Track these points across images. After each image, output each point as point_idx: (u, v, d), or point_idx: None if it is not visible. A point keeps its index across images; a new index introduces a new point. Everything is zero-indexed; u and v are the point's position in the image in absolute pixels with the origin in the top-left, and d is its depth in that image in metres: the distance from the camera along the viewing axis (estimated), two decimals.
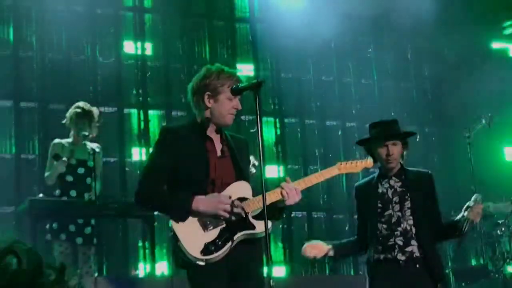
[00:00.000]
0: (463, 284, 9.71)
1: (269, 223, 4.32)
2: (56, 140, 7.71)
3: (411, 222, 5.19)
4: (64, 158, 7.42)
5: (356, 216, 5.61)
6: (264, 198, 4.23)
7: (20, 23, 10.54)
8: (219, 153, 4.63)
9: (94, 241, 7.56)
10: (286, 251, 11.48)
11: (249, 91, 4.46)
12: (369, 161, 5.00)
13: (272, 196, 4.52)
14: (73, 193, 7.56)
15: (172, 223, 4.41)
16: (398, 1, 11.67)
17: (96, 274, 7.58)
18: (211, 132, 4.64)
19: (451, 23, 11.86)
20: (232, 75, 4.61)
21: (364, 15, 12.14)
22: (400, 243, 5.16)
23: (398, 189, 5.28)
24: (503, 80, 12.52)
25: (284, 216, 10.67)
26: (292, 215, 11.51)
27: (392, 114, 12.50)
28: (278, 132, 11.92)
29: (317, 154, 11.96)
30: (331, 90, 12.28)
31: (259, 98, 4.37)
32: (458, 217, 5.14)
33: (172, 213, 4.46)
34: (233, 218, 4.41)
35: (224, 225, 4.43)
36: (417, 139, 12.45)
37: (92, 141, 7.73)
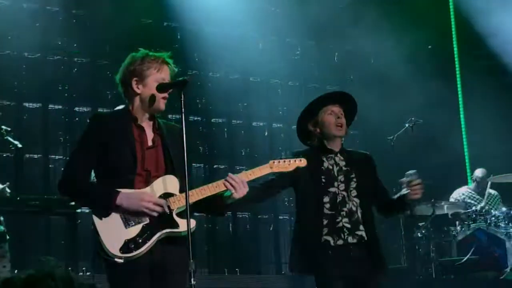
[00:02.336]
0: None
1: (193, 222, 4.28)
2: None
3: (356, 203, 5.08)
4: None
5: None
6: (187, 196, 4.20)
7: None
8: (149, 143, 4.50)
9: (7, 239, 7.47)
10: (210, 252, 11.52)
11: (175, 89, 4.44)
12: (302, 160, 4.81)
13: (212, 189, 4.45)
14: None
15: (93, 216, 4.27)
16: (325, 4, 11.86)
17: (15, 271, 7.45)
18: (142, 120, 4.52)
19: (378, 28, 12.06)
20: (157, 57, 4.52)
21: (292, 17, 12.28)
22: (348, 225, 5.03)
23: (343, 168, 5.15)
24: (425, 87, 12.80)
25: (229, 213, 10.81)
26: None
27: None
28: (205, 132, 11.96)
29: (243, 154, 12.04)
30: (259, 91, 12.38)
31: (184, 96, 4.35)
32: (402, 193, 5.13)
33: (93, 207, 4.34)
34: (155, 214, 4.30)
35: (146, 222, 4.30)
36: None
37: None
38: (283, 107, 12.53)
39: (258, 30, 12.15)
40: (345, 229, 5.02)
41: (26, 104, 10.53)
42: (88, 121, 4.60)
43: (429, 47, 12.78)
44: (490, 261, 9.58)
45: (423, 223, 10.05)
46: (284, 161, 4.78)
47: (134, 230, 4.29)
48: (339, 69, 13.09)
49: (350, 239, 5.00)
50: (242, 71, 12.30)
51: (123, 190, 4.30)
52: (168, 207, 4.36)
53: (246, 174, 4.58)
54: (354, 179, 5.12)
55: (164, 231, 4.34)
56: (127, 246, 4.24)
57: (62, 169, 4.59)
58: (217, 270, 11.16)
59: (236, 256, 11.61)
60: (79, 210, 8.36)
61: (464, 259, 9.47)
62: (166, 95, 4.48)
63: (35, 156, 10.46)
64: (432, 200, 9.89)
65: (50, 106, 10.87)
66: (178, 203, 4.38)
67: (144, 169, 4.42)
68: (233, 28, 11.75)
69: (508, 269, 9.42)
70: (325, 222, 5.03)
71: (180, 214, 4.38)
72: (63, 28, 11.12)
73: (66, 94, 11.00)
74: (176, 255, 4.37)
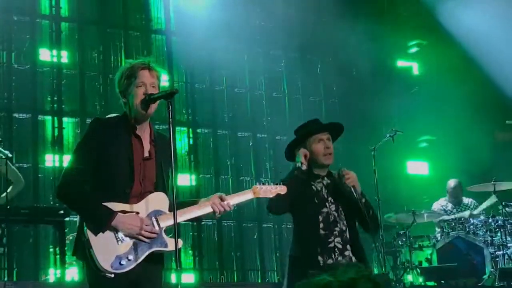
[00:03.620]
0: None
1: (181, 242, 4.43)
2: None
3: (345, 223, 5.15)
4: None
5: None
6: (174, 212, 4.29)
7: None
8: (146, 154, 4.54)
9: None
10: (196, 259, 11.63)
11: (163, 100, 4.48)
12: (283, 187, 4.93)
13: (200, 210, 4.57)
14: None
15: (86, 229, 4.29)
16: (308, 18, 12.10)
17: (5, 279, 7.60)
18: (140, 129, 4.54)
19: (359, 40, 12.30)
20: (134, 65, 4.56)
21: (276, 30, 12.51)
22: (339, 245, 5.11)
23: (331, 189, 5.22)
24: (407, 97, 13.07)
25: (215, 221, 10.96)
26: (203, 223, 11.71)
27: None
28: (191, 142, 12.11)
29: (228, 163, 12.16)
30: (243, 102, 12.58)
31: (172, 106, 4.42)
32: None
33: (88, 222, 4.33)
34: (147, 241, 4.36)
35: (136, 239, 4.38)
36: None
37: None
38: (268, 118, 12.72)
39: (243, 42, 12.37)
40: (336, 249, 5.10)
41: (16, 115, 10.67)
42: (89, 124, 4.59)
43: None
44: (469, 268, 9.78)
45: (404, 231, 10.26)
46: (267, 187, 4.89)
47: (125, 247, 4.34)
48: (322, 80, 13.32)
49: (340, 259, 5.07)
50: (227, 82, 12.51)
51: (117, 206, 4.34)
52: (158, 225, 4.43)
53: (231, 198, 4.68)
54: (341, 200, 5.20)
55: (154, 249, 4.42)
56: (118, 262, 4.29)
57: (62, 173, 4.56)
58: (202, 277, 11.33)
59: (221, 264, 11.79)
60: (67, 219, 8.46)
61: None
62: (143, 97, 4.47)
63: (25, 165, 10.59)
64: (413, 209, 10.13)
65: (40, 116, 11.04)
66: (166, 221, 4.45)
67: (139, 182, 4.47)
68: (219, 40, 11.96)
69: (486, 276, 9.65)
70: (319, 242, 5.10)
71: (168, 232, 4.47)
72: (53, 40, 11.31)
73: (55, 105, 11.17)
74: (153, 268, 4.49)
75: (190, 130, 12.17)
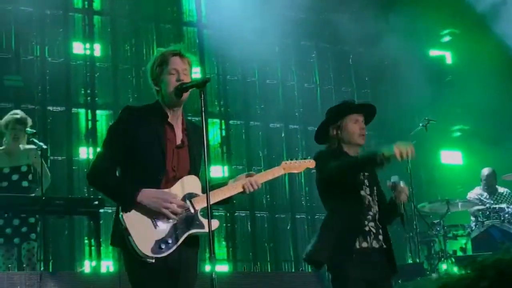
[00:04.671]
0: (399, 281, 10.01)
1: (217, 222, 4.43)
2: None
3: (377, 209, 5.15)
4: None
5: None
6: (208, 198, 4.28)
7: None
8: (178, 142, 4.54)
9: (32, 236, 7.69)
10: (229, 250, 11.70)
11: (195, 89, 4.50)
12: (311, 162, 4.97)
13: (231, 190, 4.59)
14: None
15: (122, 215, 4.31)
16: (340, 8, 12.07)
17: (42, 269, 7.68)
18: (172, 117, 4.55)
19: (391, 30, 12.24)
20: (165, 52, 4.58)
21: (308, 21, 12.50)
22: (373, 229, 5.10)
23: (365, 173, 5.22)
24: (440, 86, 12.99)
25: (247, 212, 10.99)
26: (236, 214, 11.78)
27: None
28: (224, 133, 12.17)
29: (260, 155, 12.22)
30: (275, 93, 12.60)
31: (204, 95, 4.43)
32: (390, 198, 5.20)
33: (116, 201, 4.41)
34: (173, 216, 4.37)
35: (174, 222, 4.39)
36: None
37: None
38: (299, 109, 12.73)
39: (275, 34, 12.37)
40: (371, 233, 5.09)
41: (50, 108, 10.78)
42: (121, 112, 4.60)
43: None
44: None
45: (438, 220, 10.20)
46: (295, 162, 4.93)
47: (163, 231, 4.35)
48: (354, 71, 13.30)
49: (374, 243, 5.08)
50: (259, 73, 12.54)
51: (147, 189, 4.35)
52: (193, 207, 4.46)
53: (261, 177, 4.72)
54: (374, 185, 5.21)
55: (191, 231, 4.43)
56: (158, 246, 4.31)
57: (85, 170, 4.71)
58: (236, 268, 11.38)
59: (254, 255, 11.83)
60: (102, 210, 8.53)
61: None
62: (176, 84, 4.49)
63: (59, 158, 10.71)
64: (447, 199, 10.06)
65: (73, 109, 11.15)
66: (201, 203, 4.46)
67: (171, 168, 4.48)
68: (250, 32, 11.96)
69: None
70: (354, 225, 5.07)
71: (203, 214, 4.48)
72: (86, 33, 11.41)
73: (89, 98, 11.28)
74: (190, 252, 4.50)
75: (223, 121, 12.22)
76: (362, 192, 5.14)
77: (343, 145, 5.22)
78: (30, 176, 7.82)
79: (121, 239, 4.35)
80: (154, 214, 4.35)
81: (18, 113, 7.96)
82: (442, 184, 12.37)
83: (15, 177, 7.77)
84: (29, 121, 7.97)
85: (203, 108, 4.43)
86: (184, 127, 4.63)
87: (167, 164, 4.46)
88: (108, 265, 10.31)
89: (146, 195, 4.32)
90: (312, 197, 11.64)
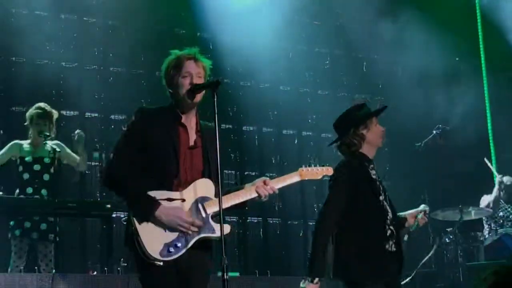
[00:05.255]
0: None
1: (228, 227, 4.42)
2: (16, 141, 7.89)
3: (391, 214, 5.25)
4: None
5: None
6: (220, 202, 4.29)
7: None
8: (191, 143, 4.59)
9: (49, 237, 7.72)
10: (241, 257, 11.70)
11: (208, 90, 4.54)
12: (329, 169, 5.04)
13: (245, 195, 4.61)
14: (29, 190, 7.76)
15: (134, 218, 4.36)
16: (354, 15, 12.06)
17: (53, 271, 7.71)
18: (186, 119, 4.60)
19: (404, 38, 12.22)
20: (180, 55, 4.65)
21: (322, 27, 12.50)
22: (391, 232, 5.19)
23: (378, 178, 5.34)
24: (453, 94, 12.92)
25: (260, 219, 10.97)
26: (248, 220, 11.77)
27: None
28: (236, 139, 12.16)
29: (273, 161, 12.20)
30: (288, 99, 12.56)
31: (217, 96, 4.44)
32: (403, 215, 5.41)
33: (132, 210, 4.41)
34: (189, 233, 4.38)
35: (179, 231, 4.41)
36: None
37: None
38: (313, 116, 12.71)
39: (288, 40, 12.38)
40: (392, 236, 5.20)
41: (64, 112, 10.79)
42: (134, 113, 4.64)
43: (457, 59, 12.89)
44: None
45: (451, 229, 10.15)
46: (313, 169, 4.97)
47: (173, 234, 4.38)
48: (368, 78, 13.28)
49: (394, 246, 5.21)
50: (272, 80, 12.51)
51: (163, 194, 4.38)
52: (205, 211, 4.48)
53: (277, 182, 4.75)
54: (386, 190, 5.33)
55: (202, 235, 4.46)
56: (167, 250, 4.34)
57: (107, 162, 4.64)
58: (247, 273, 11.34)
59: (266, 260, 11.79)
60: (114, 215, 8.54)
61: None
62: (189, 87, 4.54)
63: None
64: (460, 206, 10.00)
65: (87, 114, 11.16)
66: (213, 207, 4.48)
67: (184, 170, 4.50)
68: (264, 38, 11.97)
69: None
70: (379, 229, 5.18)
71: (215, 218, 4.51)
72: (100, 38, 11.43)
73: (102, 103, 11.29)
74: (200, 256, 4.52)
75: (235, 127, 12.20)
76: (381, 197, 5.22)
77: (364, 145, 5.31)
78: (52, 170, 7.81)
79: (132, 240, 4.37)
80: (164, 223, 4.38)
81: (42, 107, 7.95)
82: (455, 192, 12.29)
83: (37, 167, 7.78)
84: (55, 114, 7.97)
85: (216, 109, 4.41)
86: (198, 128, 4.64)
87: (180, 165, 4.48)
88: (119, 269, 10.29)
89: (165, 212, 4.35)
90: None
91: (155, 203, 4.35)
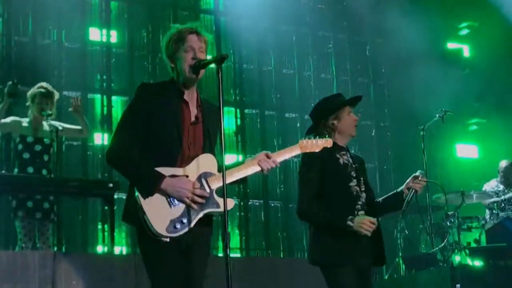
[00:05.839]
0: (413, 271, 10.02)
1: (232, 202, 4.38)
2: (14, 117, 7.88)
3: (364, 198, 5.30)
4: None
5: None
6: (224, 177, 4.26)
7: None
8: (193, 118, 4.54)
9: (51, 217, 7.73)
10: (243, 238, 11.71)
11: (213, 65, 4.46)
12: (329, 141, 4.97)
13: (248, 170, 4.56)
14: (30, 169, 7.71)
15: (138, 194, 4.30)
16: None
17: (55, 249, 7.71)
18: (187, 94, 4.55)
19: (408, 22, 12.19)
20: (182, 30, 4.57)
21: (325, 11, 12.49)
22: None
23: (352, 165, 5.37)
24: (457, 79, 12.93)
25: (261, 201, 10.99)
26: (249, 203, 11.78)
27: None
28: (239, 122, 12.17)
29: (275, 144, 12.16)
30: (291, 83, 12.57)
31: (221, 72, 4.38)
32: (400, 189, 5.32)
33: (137, 185, 4.34)
34: (194, 207, 4.35)
35: (186, 203, 4.37)
36: (373, 134, 12.86)
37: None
38: (315, 99, 12.64)
39: (292, 23, 12.36)
40: None
41: (66, 93, 10.79)
42: (137, 89, 4.57)
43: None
44: None
45: (452, 212, 10.16)
46: (313, 141, 4.91)
47: (178, 210, 4.34)
48: (371, 62, 13.27)
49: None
50: (276, 63, 12.51)
51: (167, 171, 4.34)
52: (209, 186, 4.43)
53: (278, 155, 4.69)
54: (361, 176, 5.36)
55: (207, 210, 4.41)
56: (173, 226, 4.30)
57: (110, 138, 4.60)
58: (249, 255, 11.40)
59: (267, 244, 11.83)
60: (116, 196, 8.52)
61: None
62: (192, 62, 4.48)
63: (74, 143, 10.74)
64: (462, 190, 10.01)
65: (89, 95, 11.17)
66: (216, 182, 4.43)
67: (187, 146, 4.47)
68: (267, 20, 11.96)
69: None
70: (345, 215, 5.19)
71: (219, 193, 4.44)
72: (103, 19, 11.44)
73: (104, 84, 11.31)
74: (203, 230, 4.49)
75: (238, 110, 12.23)
76: (351, 183, 5.28)
77: (337, 135, 5.36)
78: (51, 151, 7.82)
79: (134, 216, 4.35)
80: (168, 194, 4.35)
81: (44, 86, 7.93)
82: (457, 178, 12.31)
83: (37, 147, 7.77)
84: (56, 95, 7.95)
85: (220, 86, 4.37)
86: (199, 103, 4.61)
87: (183, 141, 4.45)
88: (121, 250, 10.34)
89: (170, 183, 4.31)
90: None
91: (160, 176, 4.32)
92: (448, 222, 10.18)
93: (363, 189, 5.33)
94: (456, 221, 10.01)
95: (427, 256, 10.00)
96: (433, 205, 10.28)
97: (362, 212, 5.22)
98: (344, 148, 5.41)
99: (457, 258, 10.09)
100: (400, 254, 10.44)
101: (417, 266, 10.05)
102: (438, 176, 12.49)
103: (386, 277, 10.60)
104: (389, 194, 5.42)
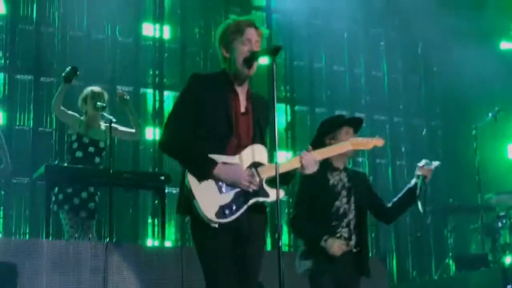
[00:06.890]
0: (463, 271, 9.94)
1: (282, 192, 4.37)
2: (77, 114, 7.97)
3: (353, 215, 5.51)
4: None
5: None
6: (277, 167, 4.30)
7: (43, 0, 10.88)
8: (242, 109, 4.56)
9: (95, 216, 7.83)
10: (291, 236, 11.72)
11: (267, 56, 4.49)
12: (380, 140, 5.01)
13: (292, 164, 4.58)
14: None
15: (188, 180, 4.35)
16: None
17: (107, 240, 7.78)
18: (238, 85, 4.57)
19: (461, 20, 12.09)
20: (240, 22, 4.58)
21: (378, 8, 12.44)
22: (345, 235, 5.46)
23: (346, 184, 5.55)
24: (510, 79, 12.75)
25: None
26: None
27: (400, 107, 12.79)
28: (289, 119, 12.20)
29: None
30: (342, 80, 12.56)
31: (275, 63, 4.41)
32: (410, 184, 5.53)
33: (191, 171, 4.39)
34: (250, 190, 4.40)
35: (239, 189, 4.40)
36: (424, 133, 12.77)
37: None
38: (366, 97, 12.68)
39: (343, 21, 12.33)
40: (342, 238, 5.45)
41: (119, 87, 10.86)
42: (188, 80, 4.61)
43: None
44: None
45: (504, 213, 10.06)
46: (363, 139, 4.98)
47: (228, 196, 4.37)
48: (422, 60, 13.17)
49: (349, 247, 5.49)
50: (326, 60, 12.51)
51: (218, 158, 4.37)
52: (259, 176, 4.43)
53: (322, 152, 4.72)
54: (354, 195, 5.54)
55: (256, 199, 4.44)
56: (222, 212, 4.33)
57: (163, 128, 4.67)
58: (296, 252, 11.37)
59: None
60: (167, 190, 8.55)
61: None
62: (247, 54, 4.49)
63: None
64: None
65: (142, 89, 11.31)
66: (267, 172, 4.44)
67: (237, 135, 4.49)
68: (319, 17, 11.94)
69: None
70: (328, 231, 5.43)
71: (268, 183, 4.46)
72: (156, 15, 11.56)
73: (157, 79, 11.42)
74: (259, 221, 4.52)
75: (288, 106, 12.24)
76: (337, 203, 5.50)
77: (334, 160, 5.52)
78: (103, 154, 7.92)
79: (186, 205, 4.39)
80: (221, 180, 4.38)
81: (94, 88, 8.06)
82: (508, 179, 12.15)
83: (91, 149, 7.85)
84: (106, 96, 8.05)
85: (274, 77, 4.39)
86: (249, 95, 4.62)
87: (234, 131, 4.47)
88: (171, 244, 10.40)
89: (223, 170, 4.36)
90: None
91: (214, 162, 4.36)
92: (499, 223, 10.08)
93: (353, 208, 5.52)
94: (508, 222, 9.92)
95: (478, 257, 9.92)
96: (484, 206, 10.25)
97: (346, 230, 5.46)
98: (339, 169, 5.58)
99: (507, 260, 10.00)
100: (450, 254, 10.36)
101: (467, 266, 9.96)
102: (490, 175, 12.35)
103: (435, 277, 10.52)
104: (403, 191, 5.61)
